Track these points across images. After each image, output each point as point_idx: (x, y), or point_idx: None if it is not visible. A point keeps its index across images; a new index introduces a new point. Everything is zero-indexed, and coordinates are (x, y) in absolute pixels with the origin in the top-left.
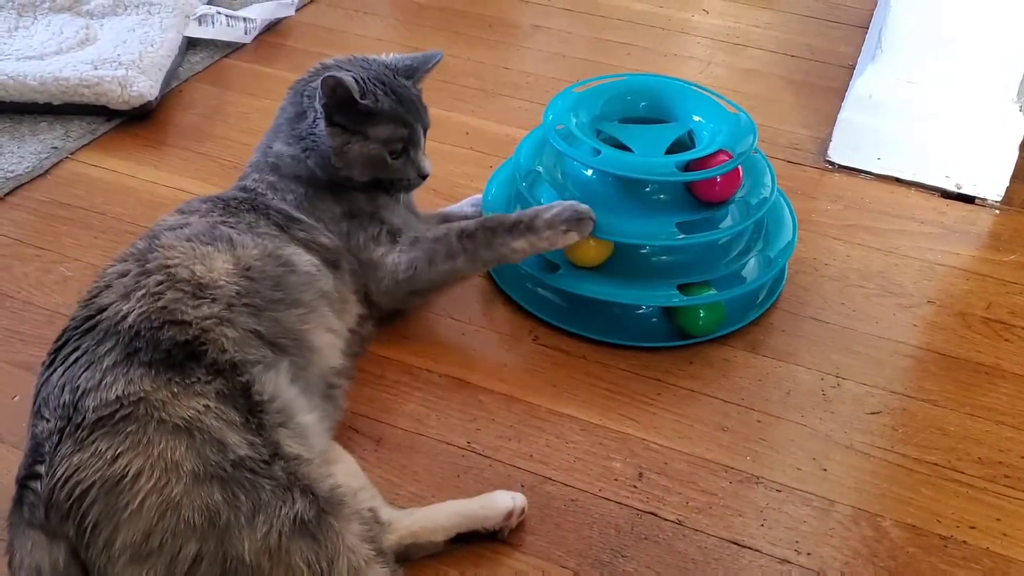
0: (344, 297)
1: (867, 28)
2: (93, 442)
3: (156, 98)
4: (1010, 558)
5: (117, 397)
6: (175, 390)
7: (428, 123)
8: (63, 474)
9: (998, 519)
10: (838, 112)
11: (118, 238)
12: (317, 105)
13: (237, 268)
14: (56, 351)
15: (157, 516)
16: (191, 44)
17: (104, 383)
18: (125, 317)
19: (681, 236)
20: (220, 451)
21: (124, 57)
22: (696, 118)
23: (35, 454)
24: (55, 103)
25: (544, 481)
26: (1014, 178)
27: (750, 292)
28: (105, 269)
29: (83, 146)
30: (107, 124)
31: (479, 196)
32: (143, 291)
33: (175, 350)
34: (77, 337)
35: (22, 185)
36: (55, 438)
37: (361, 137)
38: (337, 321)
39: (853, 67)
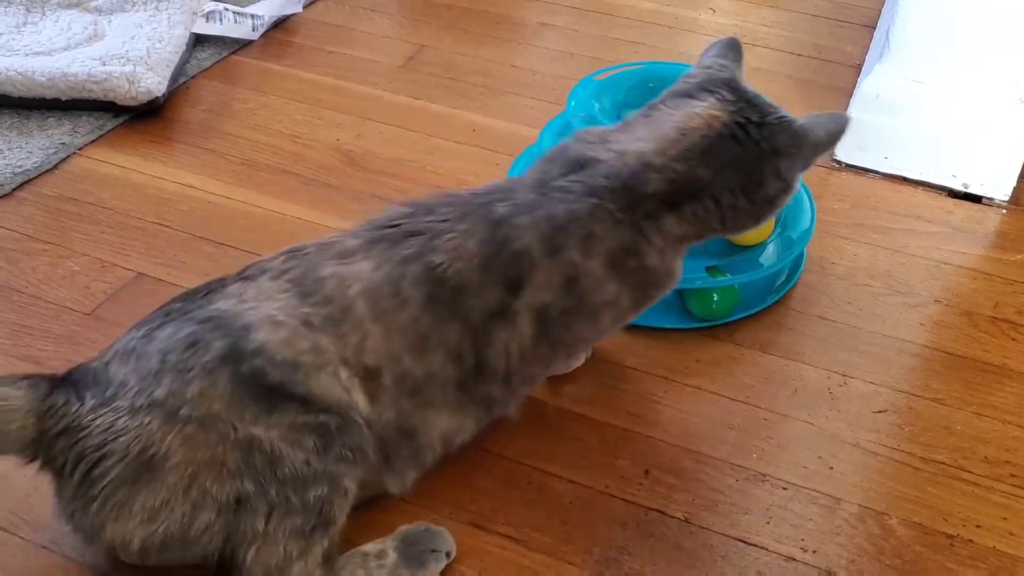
0: None
1: (874, 28)
2: (149, 413)
3: (164, 94)
4: (1016, 557)
5: (192, 396)
6: (254, 412)
7: None
8: (104, 424)
9: (1005, 518)
10: (845, 111)
11: (126, 233)
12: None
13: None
14: (168, 312)
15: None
16: (198, 40)
17: (192, 375)
18: (254, 340)
19: None
20: (274, 465)
21: (132, 53)
22: None
23: (95, 383)
24: (63, 99)
25: (550, 478)
26: (1022, 178)
27: (768, 276)
28: (264, 265)
29: (91, 142)
30: (115, 120)
31: None
32: (289, 330)
33: (275, 389)
34: (199, 319)
35: (30, 180)
36: (124, 390)
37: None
38: None
39: (860, 67)
